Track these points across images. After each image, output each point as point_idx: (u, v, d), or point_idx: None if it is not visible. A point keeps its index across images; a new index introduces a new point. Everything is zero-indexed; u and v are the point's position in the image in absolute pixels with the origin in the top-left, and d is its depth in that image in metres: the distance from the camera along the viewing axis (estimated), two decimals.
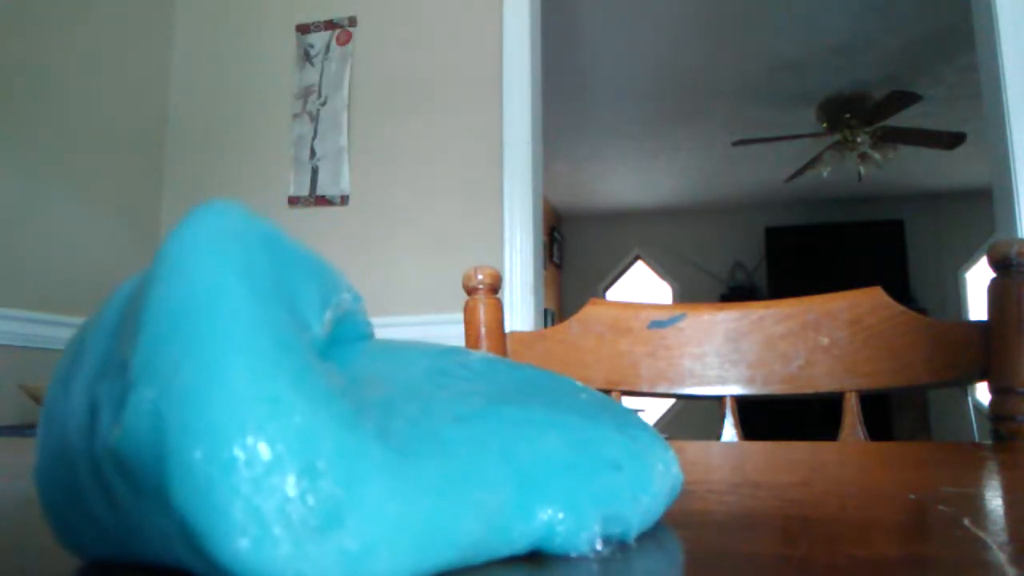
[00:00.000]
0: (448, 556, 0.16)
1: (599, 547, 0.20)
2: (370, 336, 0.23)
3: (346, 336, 0.21)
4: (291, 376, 0.15)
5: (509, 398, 0.22)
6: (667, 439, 0.33)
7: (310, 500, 0.13)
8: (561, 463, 0.20)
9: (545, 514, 0.19)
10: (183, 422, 0.13)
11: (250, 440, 0.13)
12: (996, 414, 0.66)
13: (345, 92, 2.30)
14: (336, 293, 0.19)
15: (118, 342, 0.17)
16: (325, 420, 0.15)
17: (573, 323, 0.79)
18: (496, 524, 0.18)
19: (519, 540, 0.19)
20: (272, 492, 0.13)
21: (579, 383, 0.26)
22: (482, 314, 0.76)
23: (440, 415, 0.19)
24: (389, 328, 2.13)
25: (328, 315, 0.18)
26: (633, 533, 0.21)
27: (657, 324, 0.77)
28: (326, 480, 0.14)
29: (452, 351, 0.24)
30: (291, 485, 0.13)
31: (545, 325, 3.35)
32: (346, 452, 0.15)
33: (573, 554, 0.20)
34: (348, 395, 0.17)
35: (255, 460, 0.13)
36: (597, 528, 0.20)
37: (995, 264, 0.67)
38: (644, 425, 0.25)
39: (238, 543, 0.13)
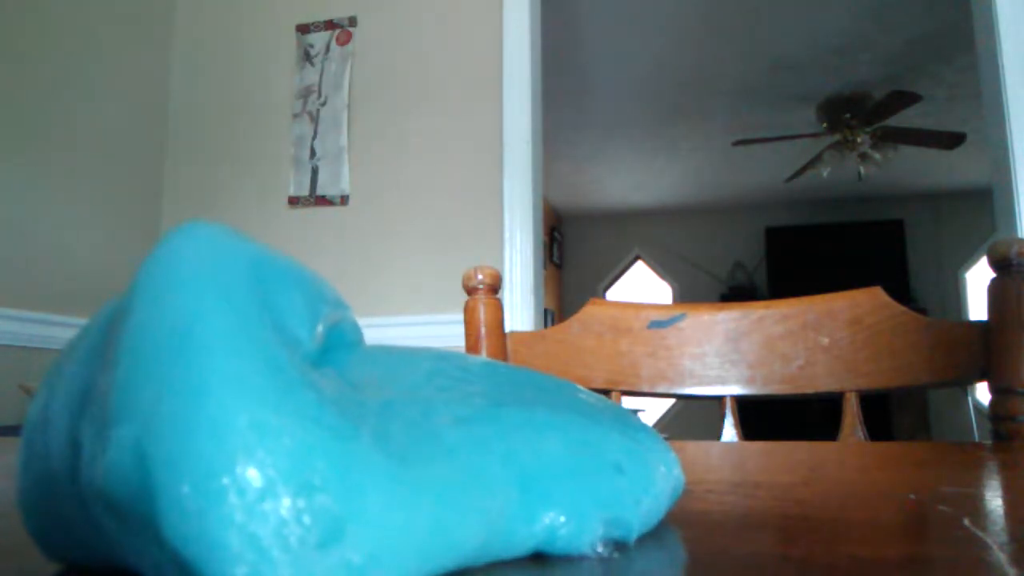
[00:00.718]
0: (451, 560, 0.16)
1: (600, 549, 0.20)
2: (360, 343, 0.23)
3: (337, 345, 0.21)
4: (278, 397, 0.14)
5: (510, 400, 0.22)
6: (667, 439, 0.34)
7: (306, 519, 0.13)
8: (563, 465, 0.20)
9: (547, 518, 0.19)
10: (168, 458, 0.13)
11: (239, 468, 0.13)
12: (996, 414, 0.66)
13: (345, 92, 2.30)
14: (324, 304, 0.19)
15: (96, 375, 0.16)
16: (317, 436, 0.14)
17: (573, 323, 0.79)
18: (499, 528, 0.18)
19: (521, 544, 0.19)
20: (267, 517, 0.13)
21: (578, 386, 0.26)
22: (482, 314, 0.76)
23: (441, 417, 0.19)
24: (389, 328, 2.13)
25: (319, 328, 0.18)
26: (634, 535, 0.21)
27: (657, 324, 0.77)
28: (323, 496, 0.14)
29: (450, 355, 0.24)
30: (286, 507, 0.13)
31: (545, 325, 3.35)
32: (342, 464, 0.14)
33: (574, 555, 0.20)
34: (344, 402, 0.16)
35: (246, 487, 0.13)
36: (599, 531, 0.20)
37: (995, 264, 0.67)
38: (645, 427, 0.25)
39: (235, 572, 0.13)
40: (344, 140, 2.27)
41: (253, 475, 0.13)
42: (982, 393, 5.11)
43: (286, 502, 0.13)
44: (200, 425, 0.13)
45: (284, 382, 0.15)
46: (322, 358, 0.18)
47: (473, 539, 0.17)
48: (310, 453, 0.14)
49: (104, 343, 0.17)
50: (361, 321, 2.21)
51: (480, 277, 0.76)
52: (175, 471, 0.13)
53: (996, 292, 0.67)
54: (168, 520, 0.13)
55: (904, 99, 3.82)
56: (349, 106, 2.29)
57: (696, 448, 0.54)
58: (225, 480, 0.13)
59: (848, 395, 0.72)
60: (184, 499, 0.13)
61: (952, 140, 4.23)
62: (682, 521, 0.25)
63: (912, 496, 0.30)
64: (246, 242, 0.18)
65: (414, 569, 0.15)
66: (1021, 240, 0.66)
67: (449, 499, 0.16)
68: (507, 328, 0.78)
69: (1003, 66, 1.82)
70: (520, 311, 2.07)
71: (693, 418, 6.36)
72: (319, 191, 2.28)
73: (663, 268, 6.88)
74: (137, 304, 0.15)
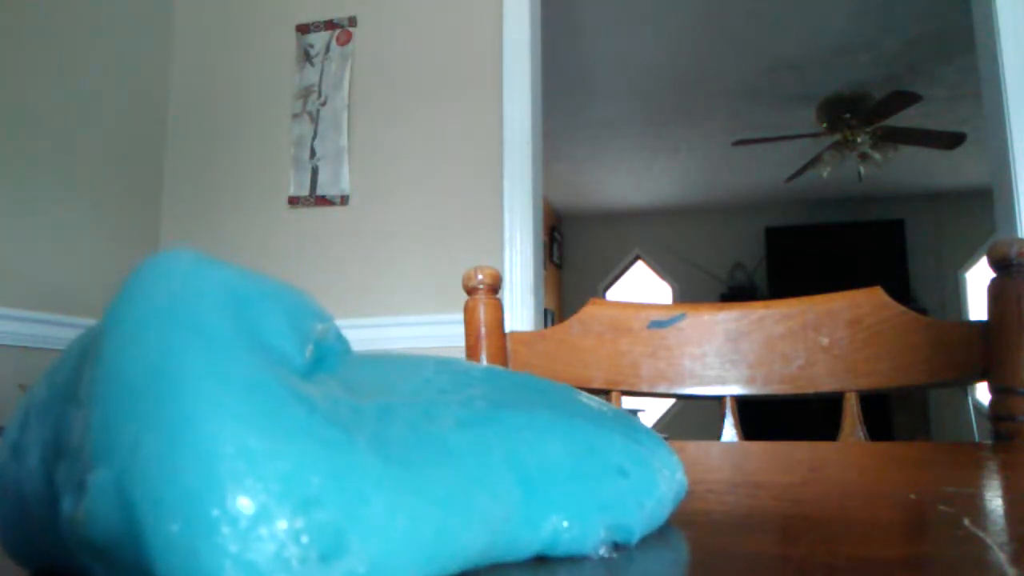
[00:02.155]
0: (455, 563, 0.16)
1: (602, 551, 0.20)
2: (349, 352, 0.23)
3: (326, 356, 0.21)
4: (265, 418, 0.14)
5: (511, 402, 0.22)
6: (667, 439, 0.34)
7: (305, 538, 0.13)
8: (567, 469, 0.20)
9: (551, 521, 0.19)
10: (152, 498, 0.13)
11: (229, 498, 0.13)
12: (996, 414, 0.66)
13: (345, 92, 2.30)
14: (310, 319, 0.18)
15: (70, 414, 0.16)
16: (310, 449, 0.14)
17: (573, 323, 0.79)
18: (502, 531, 0.18)
19: (525, 547, 0.19)
20: (263, 542, 0.13)
21: (578, 390, 0.26)
22: (482, 314, 0.76)
23: (442, 420, 0.19)
24: (389, 328, 2.13)
25: (308, 343, 0.18)
26: (636, 539, 0.21)
27: (657, 324, 0.77)
28: (322, 511, 0.14)
29: (448, 360, 0.24)
30: (283, 529, 0.13)
31: (545, 325, 3.35)
32: (339, 475, 0.14)
33: (576, 557, 0.20)
34: (339, 410, 0.16)
35: (238, 516, 0.13)
36: (601, 534, 0.20)
37: (995, 264, 0.67)
38: (648, 430, 0.25)
39: None
40: (344, 140, 2.27)
41: (244, 503, 0.13)
42: (982, 393, 5.11)
43: (282, 524, 0.13)
44: (183, 459, 0.13)
45: (271, 402, 0.15)
46: (313, 370, 0.18)
47: (477, 542, 0.17)
48: (304, 469, 0.14)
49: (76, 379, 0.17)
50: (361, 321, 2.21)
51: (480, 277, 0.76)
52: (162, 510, 0.13)
53: (996, 292, 0.67)
54: (160, 561, 0.13)
55: (904, 99, 3.82)
56: (349, 106, 2.29)
57: (696, 448, 0.54)
58: (215, 512, 0.13)
59: (848, 395, 0.72)
60: (174, 537, 0.13)
61: (952, 140, 4.23)
62: (683, 521, 0.25)
63: (912, 496, 0.30)
64: (220, 267, 0.17)
65: (418, 573, 0.15)
66: (1021, 240, 0.66)
67: (452, 502, 0.16)
68: (507, 328, 0.79)
69: (1003, 66, 1.82)
70: (520, 311, 2.07)
71: (693, 418, 6.36)
72: (319, 191, 2.28)
73: (663, 268, 6.88)
74: (110, 342, 0.15)
